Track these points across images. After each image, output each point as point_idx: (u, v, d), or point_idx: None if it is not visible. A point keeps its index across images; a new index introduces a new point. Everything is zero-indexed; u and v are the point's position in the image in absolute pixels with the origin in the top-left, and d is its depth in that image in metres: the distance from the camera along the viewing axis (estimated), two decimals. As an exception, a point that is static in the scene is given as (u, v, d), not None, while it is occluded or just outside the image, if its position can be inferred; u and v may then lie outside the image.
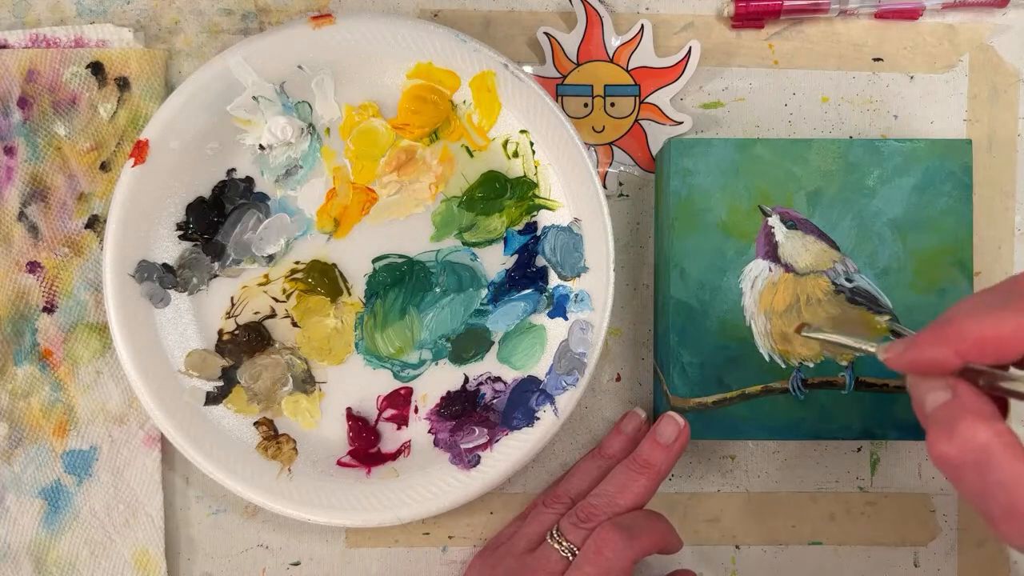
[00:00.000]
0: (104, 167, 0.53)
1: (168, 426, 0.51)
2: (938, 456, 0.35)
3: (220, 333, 0.53)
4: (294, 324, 0.53)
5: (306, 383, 0.53)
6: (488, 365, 0.54)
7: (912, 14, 0.55)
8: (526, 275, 0.53)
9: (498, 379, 0.54)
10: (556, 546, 0.47)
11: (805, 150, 0.50)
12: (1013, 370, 0.36)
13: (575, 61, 0.55)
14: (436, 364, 0.54)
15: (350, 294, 0.53)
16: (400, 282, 0.53)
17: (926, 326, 0.37)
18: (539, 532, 0.49)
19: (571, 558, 0.46)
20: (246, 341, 0.53)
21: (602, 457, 0.52)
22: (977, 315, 0.35)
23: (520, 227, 0.54)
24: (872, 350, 0.42)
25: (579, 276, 0.53)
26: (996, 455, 0.33)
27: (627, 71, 0.55)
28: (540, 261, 0.54)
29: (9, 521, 0.53)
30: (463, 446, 0.52)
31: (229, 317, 0.53)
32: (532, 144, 0.53)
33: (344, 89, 0.53)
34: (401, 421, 0.54)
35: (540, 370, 0.53)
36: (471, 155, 0.53)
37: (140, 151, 0.50)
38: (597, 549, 0.45)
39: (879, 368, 0.49)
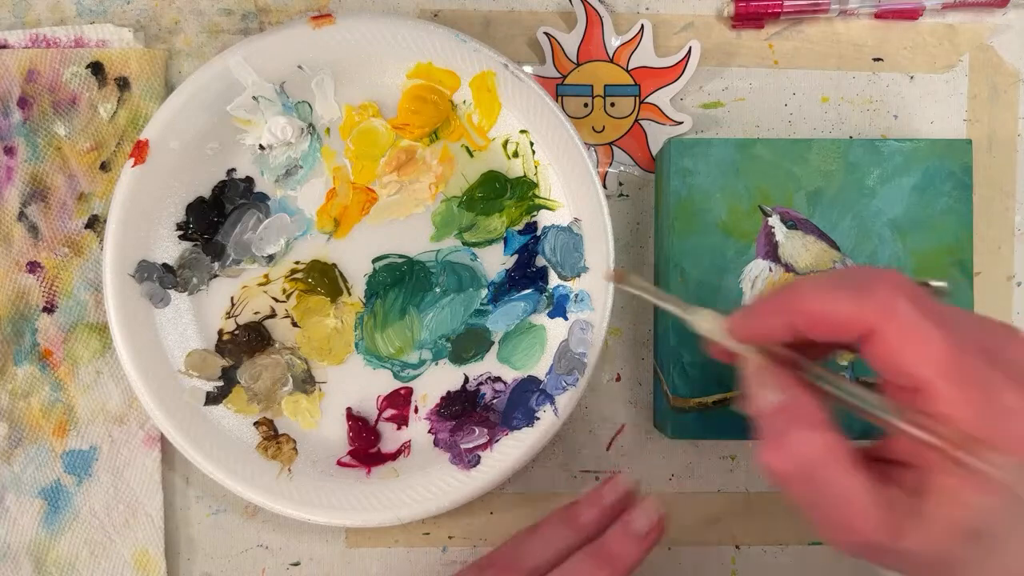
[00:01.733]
0: (104, 167, 0.53)
1: (168, 426, 0.51)
2: (766, 467, 0.33)
3: (220, 333, 0.53)
4: (294, 324, 0.53)
5: (306, 383, 0.53)
6: (488, 365, 0.54)
7: (912, 14, 0.55)
8: (526, 275, 0.53)
9: (498, 379, 0.54)
10: None
11: (805, 150, 0.50)
12: (854, 383, 0.35)
13: (575, 61, 0.55)
14: (436, 364, 0.54)
15: (350, 294, 0.53)
16: (400, 282, 0.53)
17: (762, 296, 0.36)
18: None
19: None
20: (246, 341, 0.53)
21: (571, 526, 0.45)
22: (819, 291, 0.34)
23: (520, 227, 0.54)
24: (681, 314, 0.40)
25: (579, 276, 0.53)
26: (827, 469, 0.32)
27: (627, 71, 0.55)
28: (540, 261, 0.54)
29: (9, 521, 0.53)
30: (463, 446, 0.52)
31: (229, 317, 0.53)
32: (532, 144, 0.53)
33: (344, 89, 0.53)
34: (401, 421, 0.54)
35: (540, 370, 0.53)
36: (471, 155, 0.53)
37: (140, 151, 0.50)
38: None
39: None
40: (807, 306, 0.34)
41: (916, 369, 0.31)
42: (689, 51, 0.54)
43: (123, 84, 0.53)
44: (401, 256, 0.54)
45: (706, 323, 0.39)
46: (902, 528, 0.32)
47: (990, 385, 0.30)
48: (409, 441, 0.54)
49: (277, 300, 0.53)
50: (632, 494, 0.46)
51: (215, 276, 0.53)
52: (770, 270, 0.50)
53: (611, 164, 0.55)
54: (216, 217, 0.52)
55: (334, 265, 0.53)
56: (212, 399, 0.52)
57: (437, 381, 0.54)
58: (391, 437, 0.54)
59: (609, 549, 0.43)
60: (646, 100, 0.55)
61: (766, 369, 0.35)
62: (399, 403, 0.53)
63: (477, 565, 0.46)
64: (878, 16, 0.55)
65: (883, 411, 0.33)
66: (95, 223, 0.53)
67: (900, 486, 0.33)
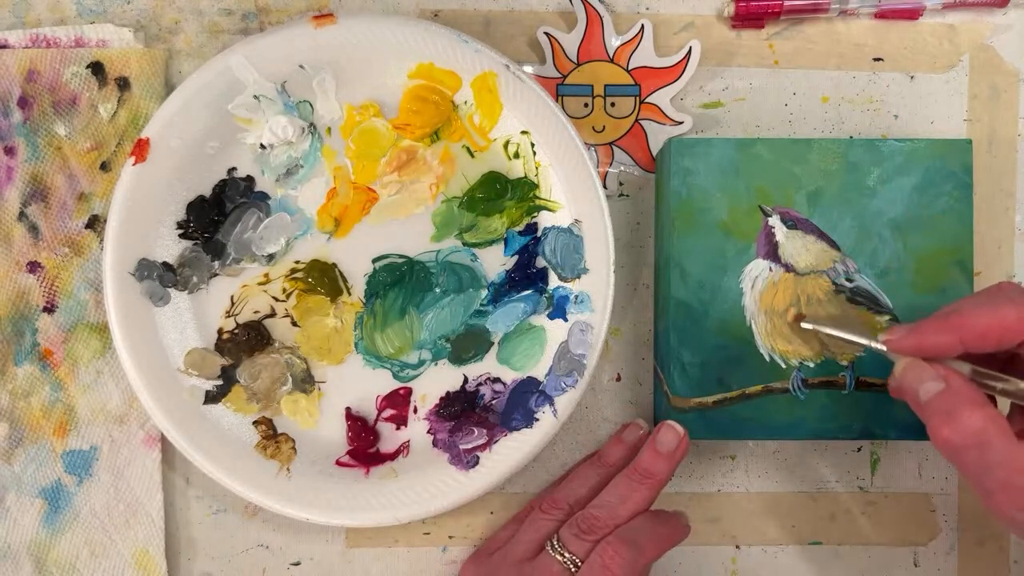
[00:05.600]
0: (104, 167, 0.53)
1: (167, 424, 0.51)
2: (943, 441, 0.39)
3: (220, 332, 0.53)
4: (294, 323, 0.53)
5: (305, 382, 0.53)
6: (487, 366, 0.54)
7: (912, 14, 0.55)
8: (526, 276, 0.53)
9: (497, 380, 0.54)
10: (558, 556, 0.47)
11: (805, 150, 0.50)
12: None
13: (575, 61, 0.55)
14: (435, 364, 0.54)
15: (350, 294, 0.53)
16: (400, 282, 0.53)
17: (930, 316, 0.42)
18: (537, 540, 0.49)
19: (573, 570, 0.46)
20: (246, 340, 0.53)
21: (602, 465, 0.52)
22: (981, 307, 0.40)
23: (520, 228, 0.54)
24: (866, 343, 0.44)
25: (579, 278, 0.53)
26: (992, 437, 0.38)
27: (627, 71, 0.55)
28: (540, 262, 0.53)
29: (9, 521, 0.53)
30: (462, 447, 0.52)
31: (229, 316, 0.53)
32: (533, 145, 0.53)
33: (345, 89, 0.53)
34: (400, 421, 0.54)
35: (539, 371, 0.53)
36: (472, 155, 0.53)
37: (141, 149, 0.50)
38: (604, 565, 0.45)
39: (880, 368, 0.49)
40: (976, 323, 0.40)
41: None
42: (689, 51, 0.54)
43: (123, 84, 0.53)
44: (401, 256, 0.54)
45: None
46: None
47: None
48: (408, 441, 0.53)
49: (277, 299, 0.53)
50: (648, 435, 0.51)
51: (215, 275, 0.53)
52: (770, 270, 0.50)
53: (611, 164, 0.55)
54: (216, 216, 0.52)
55: (334, 265, 0.53)
56: (211, 398, 0.52)
57: (436, 381, 0.54)
58: (390, 437, 0.54)
59: (645, 467, 0.48)
60: (646, 100, 0.55)
61: (920, 365, 0.41)
62: (398, 403, 0.53)
63: (529, 507, 0.54)
64: (878, 16, 0.55)
65: None
66: (95, 223, 0.53)
67: None
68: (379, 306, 0.53)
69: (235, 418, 0.53)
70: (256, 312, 0.53)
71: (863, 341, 0.45)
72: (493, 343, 0.54)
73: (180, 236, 0.52)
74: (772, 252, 0.50)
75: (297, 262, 0.53)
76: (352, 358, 0.54)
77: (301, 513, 0.51)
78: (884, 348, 0.43)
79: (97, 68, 0.53)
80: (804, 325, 0.48)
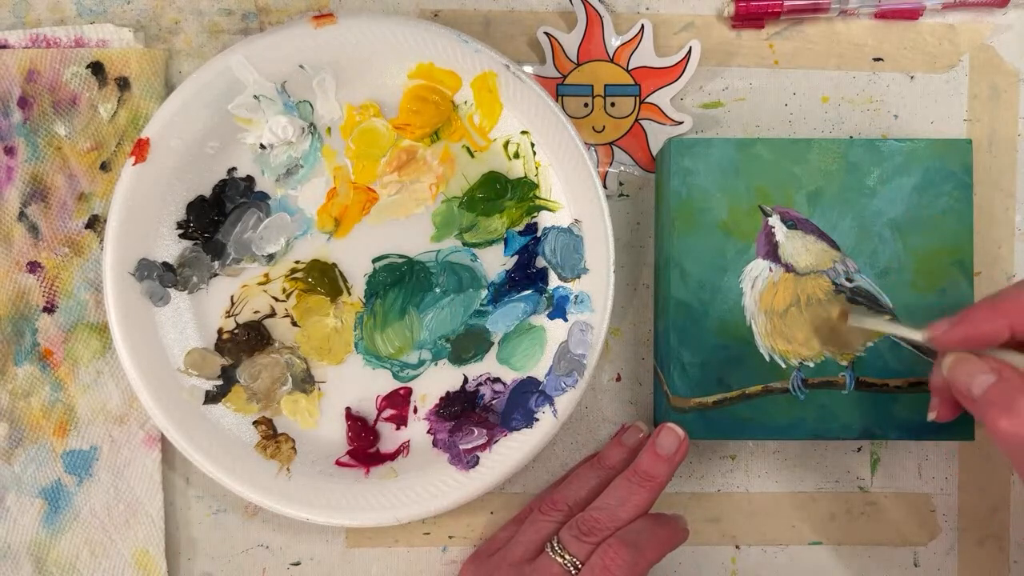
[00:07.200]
0: (104, 167, 0.53)
1: (167, 424, 0.51)
2: (1002, 434, 0.38)
3: (220, 332, 0.53)
4: (294, 323, 0.53)
5: (305, 383, 0.53)
6: (487, 366, 0.54)
7: (912, 14, 0.55)
8: (526, 276, 0.53)
9: (497, 380, 0.54)
10: (558, 558, 0.47)
11: (805, 150, 0.50)
12: None
13: (575, 61, 0.55)
14: (435, 364, 0.54)
15: (350, 294, 0.53)
16: (400, 282, 0.53)
17: (973, 306, 0.41)
18: (536, 541, 0.49)
19: (573, 572, 0.46)
20: (246, 340, 0.53)
21: (601, 467, 0.52)
22: None
23: (520, 228, 0.54)
24: (914, 337, 0.44)
25: (579, 278, 0.53)
26: None
27: (627, 71, 0.55)
28: (540, 262, 0.53)
29: (9, 521, 0.53)
30: (462, 447, 0.52)
31: (229, 316, 0.53)
32: (533, 145, 0.53)
33: (345, 89, 0.53)
34: (400, 421, 0.54)
35: (539, 371, 0.53)
36: (472, 156, 0.53)
37: (141, 149, 0.50)
38: (605, 567, 0.45)
39: (880, 368, 0.49)
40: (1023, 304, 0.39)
41: None
42: (689, 51, 0.54)
43: (123, 84, 0.53)
44: (401, 256, 0.54)
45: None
46: None
47: None
48: (408, 441, 0.54)
49: (277, 299, 0.53)
50: (648, 438, 0.51)
51: (215, 275, 0.53)
52: (770, 270, 0.50)
53: (611, 164, 0.55)
54: (216, 216, 0.52)
55: (334, 265, 0.53)
56: (211, 398, 0.52)
57: (436, 381, 0.54)
58: (390, 437, 0.54)
59: (644, 470, 0.48)
60: (646, 100, 0.55)
61: (969, 359, 0.41)
62: (398, 403, 0.53)
63: (528, 508, 0.54)
64: (878, 16, 0.55)
65: None
66: (95, 223, 0.53)
67: None
68: (379, 306, 0.53)
69: (235, 418, 0.53)
70: (256, 312, 0.53)
71: (911, 335, 0.44)
72: (493, 343, 0.54)
73: (180, 236, 0.52)
74: (772, 252, 0.50)
75: (297, 262, 0.53)
76: (352, 358, 0.54)
77: (301, 513, 0.51)
78: (930, 342, 0.43)
79: (97, 68, 0.53)
80: (850, 322, 0.48)
